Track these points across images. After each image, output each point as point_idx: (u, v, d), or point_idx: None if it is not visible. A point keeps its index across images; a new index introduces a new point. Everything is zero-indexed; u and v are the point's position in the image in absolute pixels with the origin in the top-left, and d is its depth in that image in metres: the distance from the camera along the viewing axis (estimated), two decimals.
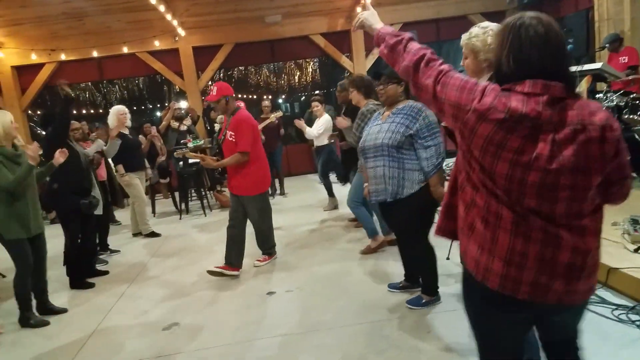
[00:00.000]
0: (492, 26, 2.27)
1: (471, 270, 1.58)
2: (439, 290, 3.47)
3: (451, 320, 3.18)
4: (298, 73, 11.47)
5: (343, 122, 5.00)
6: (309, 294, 3.94)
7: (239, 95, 11.02)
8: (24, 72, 9.80)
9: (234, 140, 4.35)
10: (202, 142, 8.02)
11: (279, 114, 7.66)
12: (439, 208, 1.95)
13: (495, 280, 1.50)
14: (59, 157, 4.02)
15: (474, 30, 2.28)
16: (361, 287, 3.92)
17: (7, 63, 9.56)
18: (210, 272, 4.41)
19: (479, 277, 1.55)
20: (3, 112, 3.75)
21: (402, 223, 3.39)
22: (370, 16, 1.94)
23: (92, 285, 4.71)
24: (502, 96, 1.45)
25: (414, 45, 1.70)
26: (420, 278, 3.56)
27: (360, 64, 10.20)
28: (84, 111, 11.14)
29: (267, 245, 4.88)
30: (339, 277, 4.22)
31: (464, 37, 2.31)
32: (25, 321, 3.86)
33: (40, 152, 3.79)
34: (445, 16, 10.19)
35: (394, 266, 4.20)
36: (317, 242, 5.38)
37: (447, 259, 4.25)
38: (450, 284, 3.75)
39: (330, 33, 10.22)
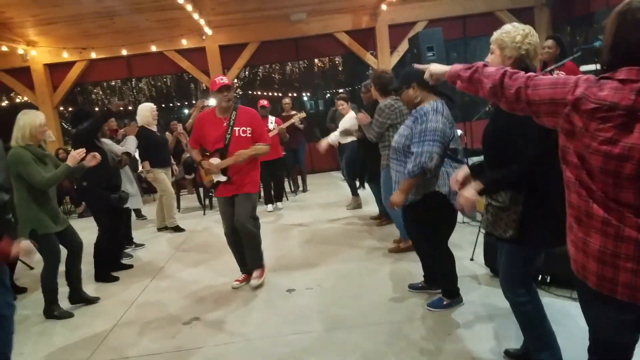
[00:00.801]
0: (523, 27, 2.24)
1: (573, 269, 1.58)
2: (460, 292, 3.41)
3: (472, 322, 3.12)
4: (322, 70, 11.46)
5: (364, 117, 4.82)
6: (329, 291, 3.93)
7: (264, 93, 11.08)
8: (56, 70, 10.07)
9: (249, 135, 4.01)
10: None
11: (302, 114, 7.65)
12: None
13: (593, 280, 1.50)
14: (91, 161, 4.05)
15: (507, 27, 2.27)
16: (382, 287, 3.89)
17: (40, 61, 9.83)
18: (258, 286, 4.13)
19: (580, 275, 1.56)
20: (35, 114, 3.80)
21: (415, 226, 3.35)
22: (435, 67, 2.00)
23: (116, 279, 4.80)
24: (595, 86, 1.43)
25: (490, 68, 1.71)
26: (440, 280, 3.50)
27: (385, 61, 10.11)
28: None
29: (260, 255, 4.27)
30: (360, 275, 4.20)
31: (496, 32, 2.29)
32: (50, 313, 3.96)
33: (83, 155, 3.85)
34: (473, 13, 10.01)
35: (415, 266, 4.15)
36: (338, 240, 5.36)
37: (471, 259, 4.19)
38: (473, 286, 3.69)
39: (355, 30, 10.17)
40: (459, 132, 5.76)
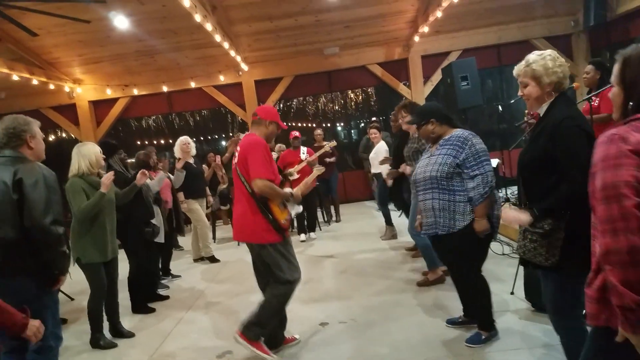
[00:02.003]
0: (547, 52, 2.27)
1: None
2: (496, 324, 3.28)
3: (513, 359, 2.98)
4: (355, 101, 11.57)
5: (408, 169, 4.57)
6: (363, 326, 3.84)
7: (298, 124, 11.24)
8: (100, 106, 10.55)
9: None
10: None
11: (333, 143, 7.73)
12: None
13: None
14: (141, 178, 4.31)
15: (531, 57, 2.28)
16: (418, 321, 3.78)
17: (85, 98, 10.34)
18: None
19: None
20: (94, 144, 3.99)
21: (455, 255, 3.26)
22: None
23: (152, 310, 4.85)
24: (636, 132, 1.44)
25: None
26: (476, 312, 3.38)
27: (418, 91, 10.12)
28: (154, 142, 11.78)
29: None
30: (396, 309, 4.09)
31: (519, 66, 2.30)
32: (96, 342, 4.01)
33: (112, 178, 3.93)
34: (507, 41, 9.95)
35: (453, 299, 4.01)
36: (373, 271, 5.27)
37: (511, 293, 4.03)
38: (513, 321, 3.53)
39: (388, 62, 10.26)
40: (497, 160, 5.68)
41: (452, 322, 3.61)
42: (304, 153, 7.26)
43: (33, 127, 2.77)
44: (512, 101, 5.86)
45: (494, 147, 9.72)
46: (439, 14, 7.85)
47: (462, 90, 7.38)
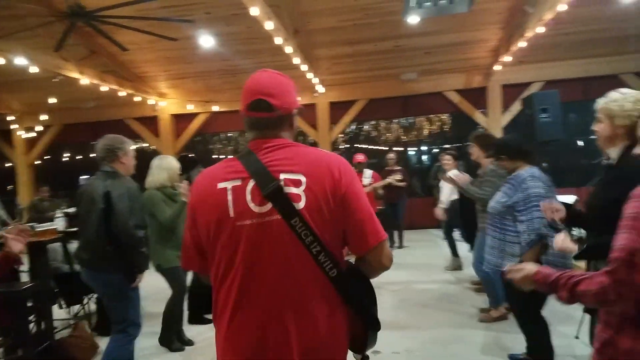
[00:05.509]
0: (632, 92, 2.14)
1: None
2: None
3: None
4: (429, 127, 11.40)
5: (463, 177, 4.50)
6: (418, 358, 3.68)
7: (369, 147, 11.22)
8: (180, 120, 11.10)
9: None
10: None
11: (398, 176, 7.52)
12: None
13: None
14: None
15: (613, 94, 2.18)
16: (477, 358, 3.57)
17: (167, 111, 10.95)
18: None
19: None
20: (173, 159, 4.24)
21: (512, 294, 3.14)
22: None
23: (210, 322, 4.93)
24: None
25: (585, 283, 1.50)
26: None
27: (495, 120, 9.79)
28: (230, 156, 12.24)
29: None
30: (454, 343, 3.90)
31: (601, 101, 2.22)
32: (165, 340, 4.19)
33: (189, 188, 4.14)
34: (595, 75, 9.39)
35: (515, 336, 3.76)
36: (433, 302, 5.07)
37: (576, 337, 3.72)
38: None
39: (466, 89, 10.03)
40: (574, 197, 5.32)
41: (514, 359, 3.46)
42: (367, 177, 7.15)
43: (126, 146, 3.27)
44: (594, 137, 5.50)
45: (574, 184, 9.12)
46: (523, 44, 7.59)
47: (542, 123, 7.03)
